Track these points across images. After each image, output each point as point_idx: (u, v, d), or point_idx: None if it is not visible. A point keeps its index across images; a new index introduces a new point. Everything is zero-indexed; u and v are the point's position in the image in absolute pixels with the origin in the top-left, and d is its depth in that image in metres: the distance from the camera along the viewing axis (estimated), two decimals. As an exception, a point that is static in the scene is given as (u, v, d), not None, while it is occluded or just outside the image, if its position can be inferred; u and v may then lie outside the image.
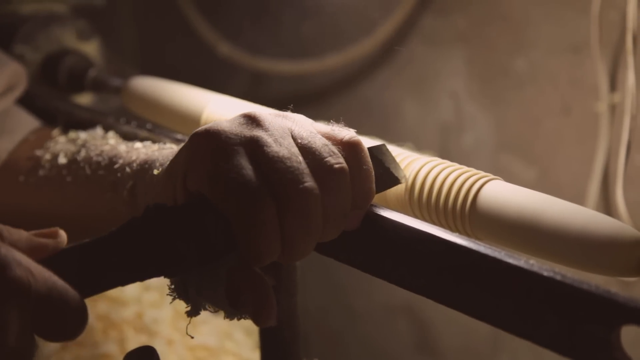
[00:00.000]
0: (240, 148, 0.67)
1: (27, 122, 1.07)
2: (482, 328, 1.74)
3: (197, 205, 0.67)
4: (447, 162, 0.79)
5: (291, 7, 1.91)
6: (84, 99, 1.41)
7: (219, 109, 0.99)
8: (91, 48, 1.41)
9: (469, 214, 0.74)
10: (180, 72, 1.30)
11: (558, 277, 0.62)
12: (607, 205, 1.40)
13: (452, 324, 1.80)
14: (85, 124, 1.02)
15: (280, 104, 0.77)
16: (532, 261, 0.64)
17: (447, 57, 1.66)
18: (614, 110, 1.38)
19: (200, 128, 0.70)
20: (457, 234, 0.69)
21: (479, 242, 0.67)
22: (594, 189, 1.42)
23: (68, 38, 1.37)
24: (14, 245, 0.62)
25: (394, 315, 1.89)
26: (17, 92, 1.09)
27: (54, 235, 0.67)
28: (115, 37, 2.04)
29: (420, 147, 1.48)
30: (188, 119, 1.02)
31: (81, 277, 0.62)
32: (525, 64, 1.55)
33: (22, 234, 0.65)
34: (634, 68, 1.16)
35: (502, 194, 0.73)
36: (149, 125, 0.97)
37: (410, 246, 0.71)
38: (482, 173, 0.76)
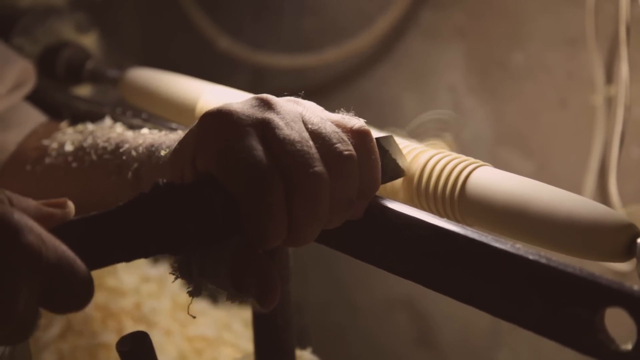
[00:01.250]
0: (252, 129, 0.67)
1: (36, 116, 1.08)
2: (482, 322, 1.75)
3: (206, 184, 0.67)
4: (436, 150, 0.80)
5: (291, 2, 1.91)
6: (83, 90, 1.41)
7: (214, 99, 1.00)
8: (90, 40, 1.42)
9: (458, 200, 0.75)
10: (182, 67, 1.30)
11: (543, 261, 0.62)
12: (603, 198, 1.41)
13: (451, 318, 1.81)
14: (90, 118, 1.03)
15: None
16: (518, 245, 0.65)
17: (445, 51, 1.67)
18: (610, 102, 1.39)
19: (211, 108, 0.70)
20: (445, 219, 0.69)
21: (466, 227, 0.68)
22: (590, 181, 1.43)
23: (66, 30, 1.38)
24: (23, 212, 0.61)
25: (394, 309, 1.90)
26: (26, 89, 1.09)
27: (62, 206, 0.66)
28: (118, 33, 2.05)
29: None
30: (183, 108, 1.03)
31: (88, 249, 0.62)
32: (522, 57, 1.55)
33: (30, 202, 0.65)
34: (628, 59, 1.16)
35: (491, 180, 0.73)
36: (144, 115, 0.97)
37: (399, 231, 0.71)
38: (472, 159, 0.77)
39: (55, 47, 1.34)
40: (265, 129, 0.67)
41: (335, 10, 1.85)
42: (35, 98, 1.11)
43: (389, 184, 0.81)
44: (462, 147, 1.65)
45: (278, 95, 0.74)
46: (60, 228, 0.62)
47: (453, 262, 0.68)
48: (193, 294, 0.70)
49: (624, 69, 1.16)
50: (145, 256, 0.65)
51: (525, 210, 0.70)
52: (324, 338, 2.07)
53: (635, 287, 0.58)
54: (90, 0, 1.57)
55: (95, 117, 1.02)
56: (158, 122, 0.95)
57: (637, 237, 0.66)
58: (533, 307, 0.63)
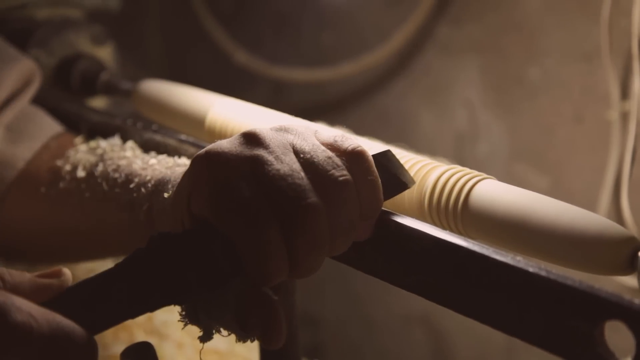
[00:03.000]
0: (241, 168, 0.66)
1: (48, 127, 1.07)
2: (498, 338, 1.74)
3: (201, 230, 0.67)
4: (440, 163, 0.80)
5: (309, 17, 1.92)
6: (99, 102, 1.42)
7: (224, 111, 1.00)
8: (106, 53, 1.43)
9: (461, 213, 0.74)
10: (202, 80, 1.31)
11: (543, 273, 0.62)
12: (618, 213, 1.40)
13: (467, 334, 1.80)
14: (103, 129, 1.03)
15: (299, 113, 0.77)
16: (518, 257, 0.64)
17: (461, 66, 1.67)
18: (626, 118, 1.38)
19: (201, 151, 0.69)
20: (446, 231, 0.69)
21: (468, 239, 0.68)
22: (605, 197, 1.42)
23: (82, 43, 1.39)
24: (16, 288, 0.62)
25: (411, 325, 1.89)
26: (32, 90, 1.08)
27: (58, 275, 0.65)
28: (141, 47, 2.07)
29: (435, 155, 1.48)
30: (193, 120, 1.03)
31: (88, 314, 0.61)
32: (538, 72, 1.55)
33: (24, 276, 0.64)
34: (640, 74, 1.16)
35: (494, 192, 0.73)
36: (154, 127, 0.98)
37: (402, 244, 0.71)
38: (475, 172, 0.77)
39: (70, 58, 1.35)
40: (254, 167, 0.66)
41: (353, 25, 1.86)
42: (50, 108, 1.11)
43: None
44: (478, 163, 1.66)
45: (297, 110, 0.73)
46: (59, 298, 0.63)
47: (454, 274, 0.68)
48: (203, 339, 0.70)
49: (636, 84, 1.15)
50: (150, 310, 0.65)
51: (527, 222, 0.69)
52: (340, 354, 2.06)
53: (635, 300, 0.58)
54: (109, 15, 1.58)
55: (108, 129, 1.02)
56: (168, 133, 0.96)
57: (639, 250, 0.65)
58: (533, 319, 0.63)
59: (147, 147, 0.97)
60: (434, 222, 0.77)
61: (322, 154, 0.69)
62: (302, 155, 0.68)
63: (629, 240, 0.65)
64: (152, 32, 2.11)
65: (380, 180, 0.71)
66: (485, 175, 0.76)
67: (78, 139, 1.03)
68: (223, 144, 0.69)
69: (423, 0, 1.66)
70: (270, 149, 0.68)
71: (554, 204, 0.69)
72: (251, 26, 2.02)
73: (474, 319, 0.67)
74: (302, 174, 0.67)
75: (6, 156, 1.01)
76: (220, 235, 0.66)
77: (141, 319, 1.39)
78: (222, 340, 1.44)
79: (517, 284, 0.63)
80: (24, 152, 1.02)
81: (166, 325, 1.38)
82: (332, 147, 0.70)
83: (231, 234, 0.65)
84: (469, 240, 0.68)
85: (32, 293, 0.61)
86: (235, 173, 0.66)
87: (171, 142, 0.94)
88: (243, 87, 1.99)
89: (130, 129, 0.99)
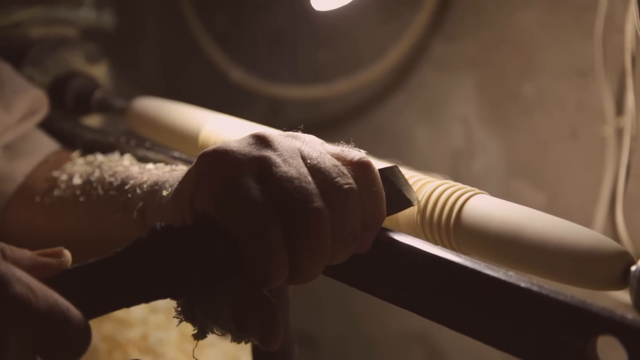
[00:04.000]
0: (248, 168, 0.66)
1: (47, 145, 1.08)
2: (495, 356, 1.73)
3: (204, 226, 0.66)
4: (432, 178, 0.80)
5: (305, 35, 1.92)
6: (93, 120, 1.42)
7: (217, 127, 1.00)
8: (100, 71, 1.43)
9: (454, 228, 0.74)
10: (200, 98, 1.31)
11: (535, 288, 0.62)
12: (614, 230, 1.39)
13: (465, 352, 1.79)
14: (96, 147, 1.03)
15: (295, 131, 0.77)
16: (510, 273, 0.64)
17: (456, 83, 1.67)
18: (621, 134, 1.38)
19: (208, 148, 0.69)
20: (438, 246, 0.69)
21: (460, 255, 0.67)
22: (601, 212, 1.42)
23: (77, 61, 1.39)
24: (16, 263, 0.62)
25: (409, 343, 1.88)
26: (38, 117, 1.09)
27: (58, 255, 0.66)
28: (137, 66, 2.07)
29: (431, 172, 1.48)
30: (186, 137, 1.03)
31: (85, 297, 0.61)
32: (533, 88, 1.55)
33: (25, 253, 0.64)
34: (634, 90, 1.15)
35: (486, 208, 0.73)
36: (147, 144, 0.98)
37: (395, 259, 0.71)
38: (468, 187, 0.76)
39: (64, 77, 1.35)
40: (262, 167, 0.67)
41: (348, 42, 1.86)
42: (45, 127, 1.12)
43: None
44: (474, 180, 1.66)
45: (293, 127, 0.73)
46: (56, 277, 0.62)
47: (446, 289, 0.67)
48: (197, 337, 0.70)
49: (630, 99, 1.15)
50: (146, 301, 0.65)
51: (519, 237, 0.69)
52: (339, 372, 2.06)
53: (627, 315, 0.57)
54: (104, 33, 1.58)
55: (102, 146, 1.02)
56: (161, 150, 0.96)
57: (631, 265, 0.65)
58: (525, 335, 0.62)
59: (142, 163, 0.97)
60: (426, 238, 0.77)
61: (329, 161, 0.69)
62: (309, 161, 0.68)
63: (622, 255, 0.65)
64: (147, 51, 2.11)
65: (384, 193, 0.71)
66: (477, 191, 0.76)
67: (75, 154, 1.04)
68: (231, 143, 0.69)
69: (418, 17, 1.66)
70: (278, 152, 0.68)
71: (546, 218, 0.69)
72: (247, 44, 2.02)
73: (467, 334, 0.67)
74: (309, 178, 0.67)
75: (5, 171, 1.02)
76: (222, 233, 0.65)
77: (136, 337, 1.39)
78: (218, 359, 1.44)
79: (509, 299, 0.63)
80: (23, 167, 1.03)
81: (161, 344, 1.38)
82: (339, 157, 0.71)
83: (234, 232, 0.65)
84: (461, 255, 0.67)
85: (31, 270, 0.61)
86: (243, 172, 0.66)
87: (164, 159, 0.94)
88: (239, 105, 1.99)
89: (124, 146, 0.99)
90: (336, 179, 0.68)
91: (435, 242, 0.75)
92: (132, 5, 1.99)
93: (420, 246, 0.69)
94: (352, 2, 1.44)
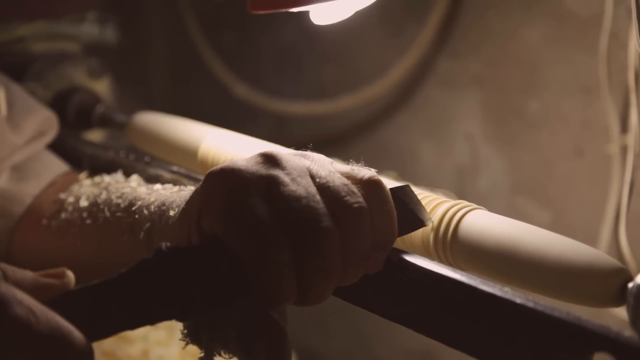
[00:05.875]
0: (256, 187, 0.65)
1: (55, 166, 1.08)
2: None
3: (211, 246, 0.65)
4: (430, 194, 0.79)
5: (310, 51, 1.93)
6: (95, 135, 1.42)
7: (216, 142, 1.00)
8: (102, 86, 1.43)
9: (451, 243, 0.74)
10: (206, 114, 1.30)
11: (530, 304, 0.61)
12: (619, 247, 1.38)
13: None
14: (96, 162, 1.03)
15: (300, 147, 0.76)
16: (506, 289, 0.64)
17: (461, 99, 1.67)
18: (626, 151, 1.37)
19: (216, 167, 0.68)
20: (434, 262, 0.69)
21: (455, 270, 0.67)
22: (606, 230, 1.41)
23: (79, 76, 1.40)
24: (18, 284, 0.61)
25: (414, 360, 1.88)
26: (48, 138, 1.10)
27: (61, 276, 0.65)
28: (141, 82, 2.08)
29: (435, 189, 1.47)
30: (186, 152, 1.03)
31: (88, 319, 0.60)
32: (538, 105, 1.54)
33: (26, 274, 0.63)
34: (638, 107, 1.15)
35: (483, 223, 0.72)
36: (147, 158, 0.98)
37: (391, 274, 0.70)
38: (465, 203, 0.76)
39: (66, 92, 1.36)
40: (270, 186, 0.66)
41: (353, 59, 1.86)
42: (54, 145, 1.12)
43: None
44: (478, 197, 1.65)
45: (299, 143, 0.72)
46: (59, 299, 0.61)
47: (442, 305, 0.67)
48: None
49: (634, 117, 1.14)
50: (151, 323, 0.63)
51: (515, 253, 0.68)
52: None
53: (623, 332, 0.57)
54: (107, 48, 1.59)
55: (101, 161, 1.02)
56: (160, 165, 0.96)
57: (629, 281, 0.64)
58: (520, 351, 0.62)
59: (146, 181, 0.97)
60: (423, 253, 0.77)
61: (338, 180, 0.68)
62: (318, 180, 0.67)
63: (619, 271, 0.64)
64: (152, 66, 2.12)
65: (396, 213, 0.70)
66: (474, 206, 0.75)
67: (82, 175, 1.03)
68: (239, 162, 0.68)
69: (422, 34, 1.66)
70: (287, 171, 0.67)
71: (543, 234, 0.69)
72: (252, 60, 2.03)
73: (462, 351, 0.66)
74: (318, 197, 0.66)
75: (14, 193, 1.02)
76: (229, 253, 0.64)
77: (136, 353, 1.39)
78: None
79: (505, 315, 0.63)
80: (31, 189, 1.03)
81: (162, 361, 1.37)
82: (348, 175, 0.70)
83: (241, 252, 0.64)
84: (457, 271, 0.67)
85: (33, 291, 0.60)
86: (250, 191, 0.65)
87: (163, 173, 0.94)
88: (244, 121, 1.99)
89: (123, 161, 0.99)
90: (345, 198, 0.66)
91: (431, 258, 0.75)
92: (136, 21, 2.00)
93: (416, 261, 0.69)
94: (355, 18, 1.44)
